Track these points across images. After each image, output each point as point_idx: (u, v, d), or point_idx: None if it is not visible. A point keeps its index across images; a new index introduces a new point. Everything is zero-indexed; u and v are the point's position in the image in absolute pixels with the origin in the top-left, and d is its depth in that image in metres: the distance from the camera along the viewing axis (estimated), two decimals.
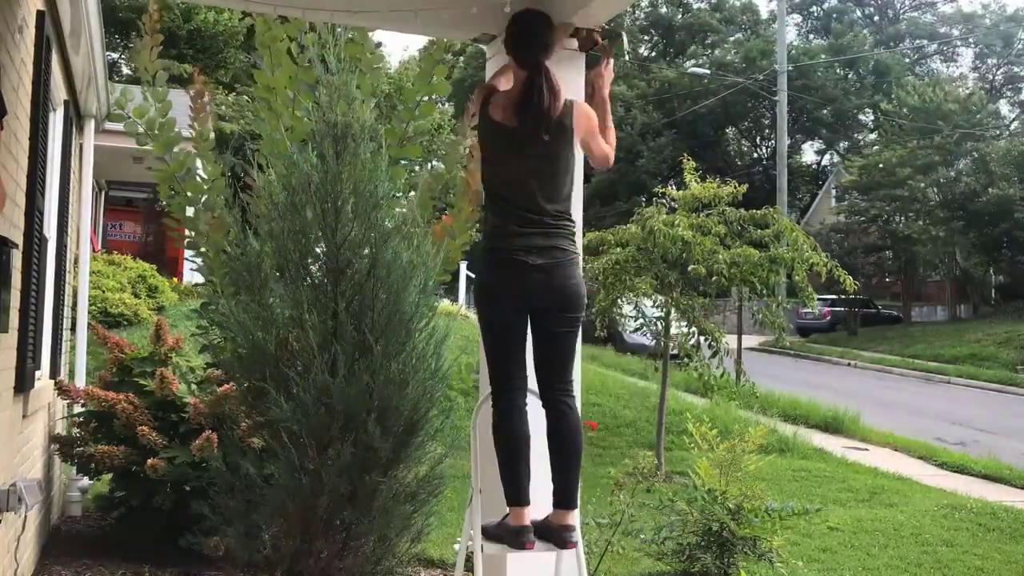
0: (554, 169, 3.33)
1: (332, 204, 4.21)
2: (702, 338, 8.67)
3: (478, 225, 5.75)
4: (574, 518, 3.36)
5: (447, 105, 28.05)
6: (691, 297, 8.70)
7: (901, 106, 30.27)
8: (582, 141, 3.43)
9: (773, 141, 40.16)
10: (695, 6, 45.90)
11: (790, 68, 32.45)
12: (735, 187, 8.91)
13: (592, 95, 3.61)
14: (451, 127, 28.88)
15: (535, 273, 3.24)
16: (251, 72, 5.79)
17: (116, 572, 4.73)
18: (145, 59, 5.42)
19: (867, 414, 12.82)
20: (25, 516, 4.14)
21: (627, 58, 40.04)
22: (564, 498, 3.35)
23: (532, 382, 3.52)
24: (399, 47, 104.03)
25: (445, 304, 15.33)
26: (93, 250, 9.72)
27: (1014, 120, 38.77)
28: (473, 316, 15.56)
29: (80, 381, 6.34)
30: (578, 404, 3.51)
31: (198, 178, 5.50)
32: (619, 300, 8.99)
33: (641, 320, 9.19)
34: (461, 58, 37.06)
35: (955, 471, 9.98)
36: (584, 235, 4.95)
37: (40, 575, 4.66)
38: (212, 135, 5.56)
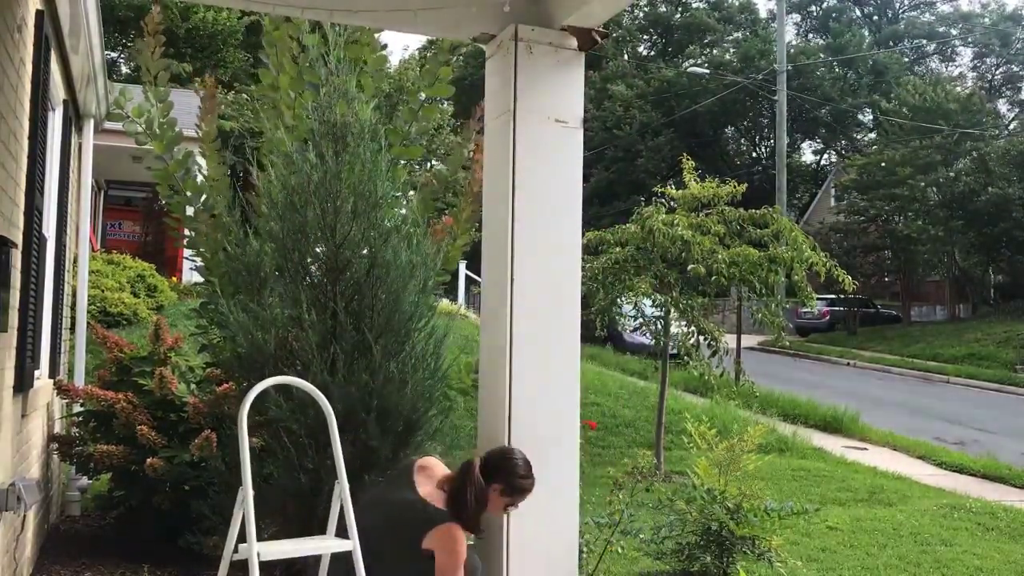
0: None
1: (332, 204, 4.22)
2: (701, 338, 8.67)
3: (478, 225, 5.75)
4: None
5: (447, 104, 28.01)
6: (690, 296, 8.70)
7: (901, 105, 30.27)
8: None
9: (772, 140, 40.17)
10: (694, 5, 45.91)
11: (789, 68, 32.44)
12: (734, 187, 8.91)
13: None
14: (451, 127, 28.90)
15: None
16: (251, 71, 5.80)
17: (115, 571, 4.72)
18: (147, 59, 5.43)
19: (866, 414, 12.82)
20: (24, 515, 4.14)
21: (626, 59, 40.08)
22: None
23: None
24: (400, 47, 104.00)
25: (445, 304, 15.34)
26: (92, 249, 9.71)
27: (1013, 120, 38.79)
28: (473, 316, 15.57)
29: (79, 380, 6.33)
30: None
31: (200, 177, 5.51)
32: (618, 300, 8.98)
33: (640, 320, 9.19)
34: (461, 57, 37.05)
35: (954, 471, 9.99)
36: (583, 235, 4.96)
37: (39, 574, 4.65)
38: (216, 134, 5.57)
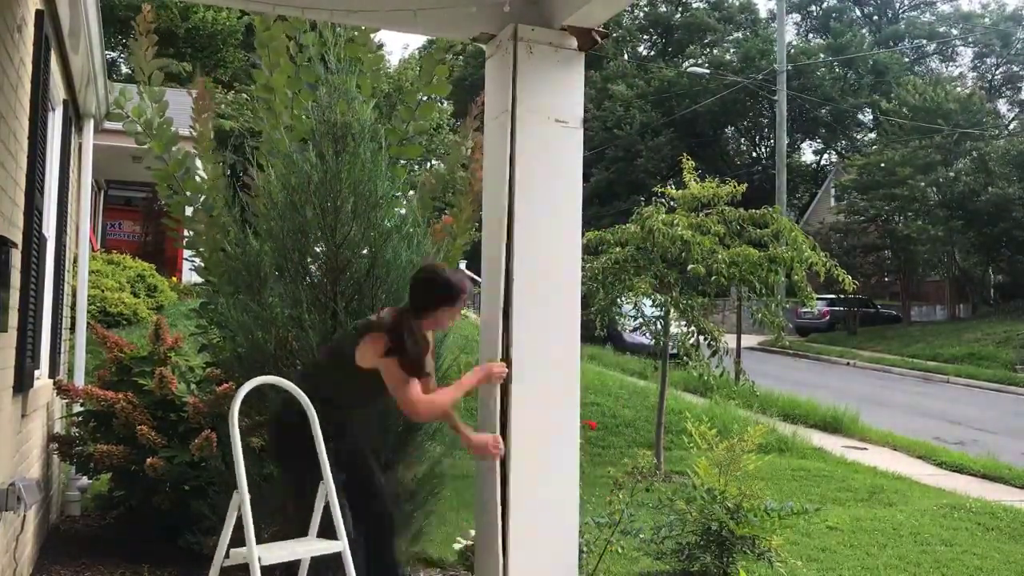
0: None
1: (332, 203, 4.22)
2: (701, 337, 8.67)
3: (478, 224, 5.75)
4: None
5: (447, 104, 28.02)
6: (690, 296, 8.69)
7: (901, 105, 30.28)
8: None
9: (772, 140, 40.18)
10: (694, 5, 45.91)
11: (789, 68, 32.43)
12: (734, 187, 8.90)
13: None
14: (451, 127, 28.91)
15: None
16: (250, 71, 5.79)
17: (115, 571, 4.72)
18: (140, 59, 5.42)
19: (866, 413, 12.81)
20: (24, 515, 4.14)
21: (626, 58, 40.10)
22: None
23: None
24: (399, 46, 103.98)
25: None
26: (92, 249, 9.71)
27: (1013, 120, 38.79)
28: (473, 316, 15.54)
29: (79, 380, 6.33)
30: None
31: (197, 178, 5.50)
32: (618, 300, 8.98)
33: (640, 320, 9.19)
34: (461, 57, 37.07)
35: (954, 471, 9.98)
36: (583, 235, 4.95)
37: (39, 574, 4.66)
38: (211, 135, 5.56)
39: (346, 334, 3.84)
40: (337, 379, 3.62)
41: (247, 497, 3.08)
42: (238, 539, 3.12)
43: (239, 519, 3.09)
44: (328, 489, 3.30)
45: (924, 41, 44.62)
